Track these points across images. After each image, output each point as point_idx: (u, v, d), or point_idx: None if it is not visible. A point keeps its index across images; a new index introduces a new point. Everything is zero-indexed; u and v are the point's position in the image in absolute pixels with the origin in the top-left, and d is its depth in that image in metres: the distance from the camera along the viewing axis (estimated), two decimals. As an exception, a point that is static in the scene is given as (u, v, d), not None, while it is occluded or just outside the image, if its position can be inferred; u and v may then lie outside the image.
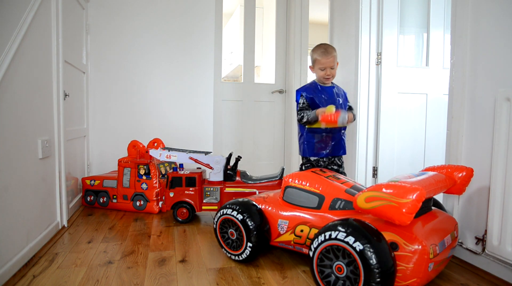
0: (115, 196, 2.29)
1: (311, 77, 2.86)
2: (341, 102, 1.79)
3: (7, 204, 1.31)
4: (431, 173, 1.30)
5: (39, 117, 1.63)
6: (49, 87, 1.77)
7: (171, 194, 2.03)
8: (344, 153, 1.84)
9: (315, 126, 1.75)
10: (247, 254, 1.42)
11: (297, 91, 1.84)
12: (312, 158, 1.80)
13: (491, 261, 1.36)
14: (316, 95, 1.76)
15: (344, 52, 2.31)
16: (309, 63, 1.83)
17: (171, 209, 2.05)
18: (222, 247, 1.52)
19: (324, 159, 1.81)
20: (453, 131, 1.52)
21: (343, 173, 1.89)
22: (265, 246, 1.45)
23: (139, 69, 2.79)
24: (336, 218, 1.29)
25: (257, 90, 3.29)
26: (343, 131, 1.81)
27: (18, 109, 1.42)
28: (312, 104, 1.75)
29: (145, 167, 2.23)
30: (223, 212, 1.48)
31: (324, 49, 1.75)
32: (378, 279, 1.00)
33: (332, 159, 1.83)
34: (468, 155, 1.46)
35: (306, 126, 1.79)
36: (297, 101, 1.81)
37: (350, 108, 1.87)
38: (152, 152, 2.14)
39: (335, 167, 1.84)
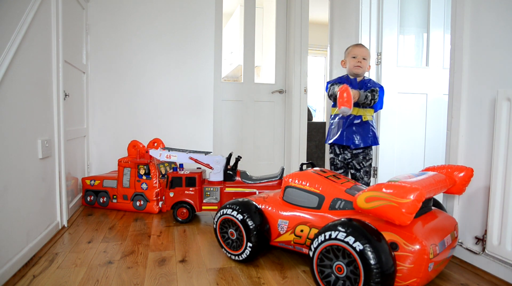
0: (115, 196, 2.29)
1: (311, 77, 2.84)
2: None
3: (7, 204, 1.31)
4: (431, 173, 1.30)
5: (39, 117, 1.63)
6: (49, 87, 1.77)
7: (171, 194, 2.03)
8: (355, 145, 1.78)
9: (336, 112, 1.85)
10: (247, 254, 1.42)
11: (327, 82, 1.94)
12: (328, 145, 1.92)
13: (491, 261, 1.36)
14: (340, 84, 1.78)
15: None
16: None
17: (171, 209, 2.05)
18: (222, 247, 1.52)
19: (340, 148, 1.87)
20: (453, 131, 1.52)
21: (355, 175, 1.88)
22: (265, 246, 1.45)
23: (139, 69, 2.79)
24: (336, 218, 1.29)
25: (257, 90, 3.29)
26: (356, 121, 1.77)
27: (18, 109, 1.42)
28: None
29: (145, 167, 2.23)
30: (223, 212, 1.49)
31: (358, 43, 1.91)
32: (378, 279, 1.00)
33: (345, 151, 1.84)
34: (468, 155, 1.46)
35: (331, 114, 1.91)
36: (326, 90, 1.89)
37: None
38: (152, 152, 2.14)
39: (347, 157, 1.84)
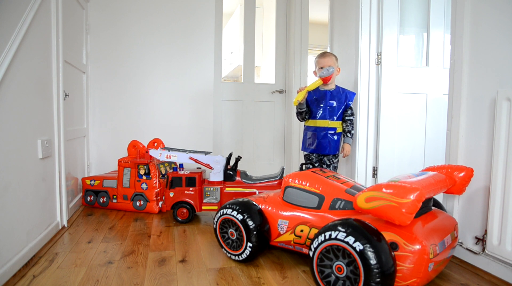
0: (115, 196, 2.29)
1: (310, 77, 2.86)
2: (334, 105, 2.02)
3: (7, 204, 1.31)
4: (431, 173, 1.30)
5: (39, 117, 1.63)
6: (49, 87, 1.77)
7: (171, 194, 2.03)
8: (331, 152, 2.03)
9: (307, 123, 2.10)
10: (247, 254, 1.42)
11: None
12: (304, 152, 2.14)
13: (491, 261, 1.36)
14: (310, 96, 2.07)
15: (344, 52, 2.31)
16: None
17: (171, 209, 2.05)
18: (222, 247, 1.52)
19: (314, 155, 2.09)
20: (453, 131, 1.52)
21: None
22: (265, 246, 1.45)
23: (139, 69, 2.79)
24: (336, 218, 1.29)
25: (257, 90, 3.29)
26: (330, 132, 2.02)
27: (18, 109, 1.42)
28: (307, 103, 2.07)
29: (145, 167, 2.23)
30: (223, 212, 1.49)
31: (322, 53, 2.10)
32: (378, 279, 1.00)
33: (321, 157, 2.08)
34: (468, 155, 1.46)
35: (304, 124, 2.12)
36: None
37: (348, 119, 2.06)
38: (152, 152, 2.14)
39: (324, 166, 2.06)
